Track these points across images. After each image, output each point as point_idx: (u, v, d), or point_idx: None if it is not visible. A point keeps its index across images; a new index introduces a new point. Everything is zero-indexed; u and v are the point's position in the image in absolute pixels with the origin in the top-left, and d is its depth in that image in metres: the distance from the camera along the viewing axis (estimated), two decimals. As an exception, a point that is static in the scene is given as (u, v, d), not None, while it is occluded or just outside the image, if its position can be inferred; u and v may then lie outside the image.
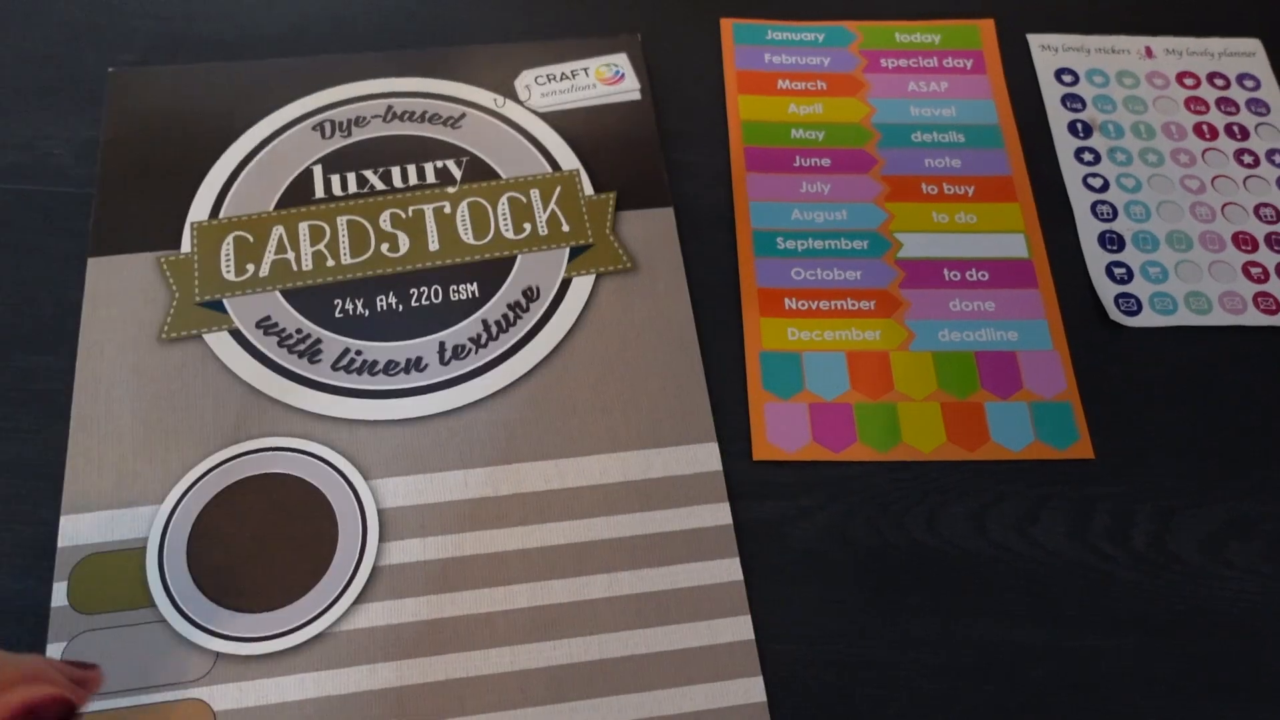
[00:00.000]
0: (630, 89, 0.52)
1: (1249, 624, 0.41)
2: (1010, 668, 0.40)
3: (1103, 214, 0.49)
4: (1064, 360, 0.46)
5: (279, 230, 0.48)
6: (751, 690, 0.39)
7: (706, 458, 0.43)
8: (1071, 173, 0.50)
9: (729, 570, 0.41)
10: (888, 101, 0.52)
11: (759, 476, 0.44)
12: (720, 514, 0.42)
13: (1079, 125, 0.51)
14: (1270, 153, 0.50)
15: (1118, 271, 0.48)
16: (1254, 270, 0.48)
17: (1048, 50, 0.53)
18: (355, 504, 0.42)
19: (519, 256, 0.47)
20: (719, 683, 0.39)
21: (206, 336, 0.46)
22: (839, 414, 0.46)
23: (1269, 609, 0.41)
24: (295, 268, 0.47)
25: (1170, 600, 0.41)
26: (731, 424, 0.45)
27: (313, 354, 0.45)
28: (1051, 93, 0.52)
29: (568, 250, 0.48)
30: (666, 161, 0.51)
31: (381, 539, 0.42)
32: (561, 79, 0.52)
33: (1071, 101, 0.52)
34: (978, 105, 0.52)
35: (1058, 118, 0.51)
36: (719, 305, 0.48)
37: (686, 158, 0.51)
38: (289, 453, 0.43)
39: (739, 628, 0.40)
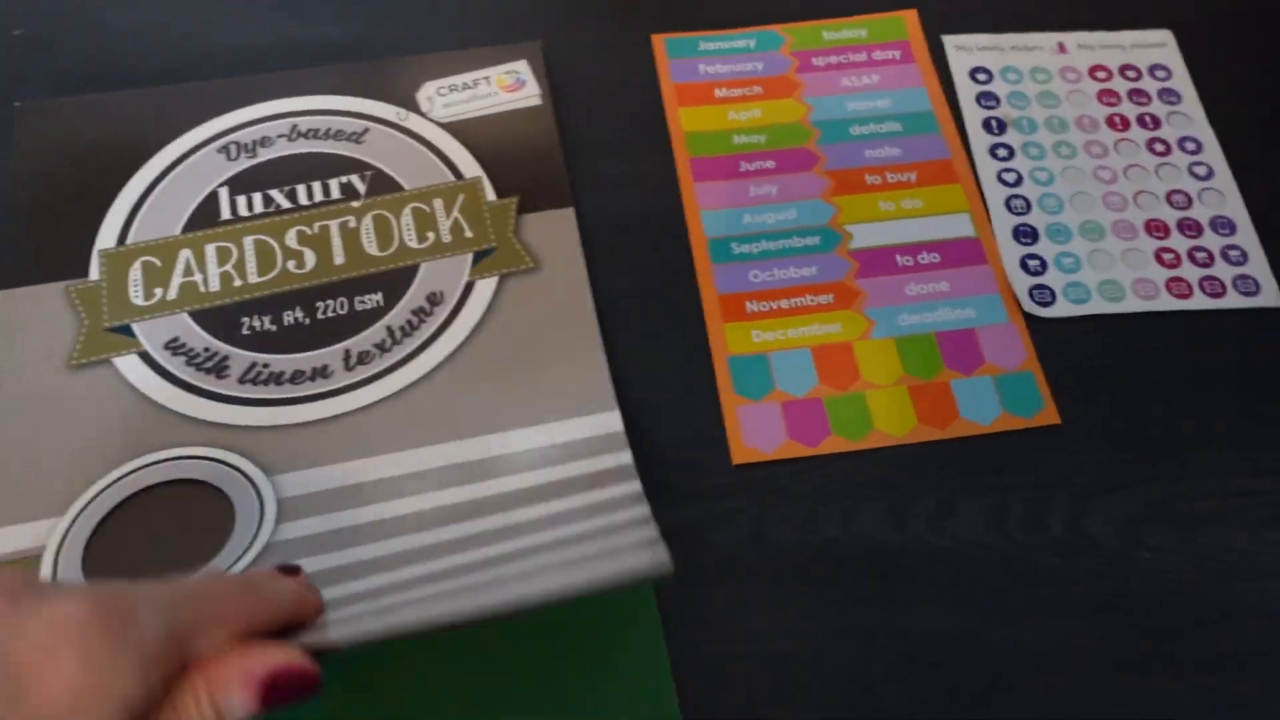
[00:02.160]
0: (531, 95, 0.52)
1: (1166, 605, 0.41)
2: (933, 659, 0.40)
3: (1016, 208, 0.51)
4: (1021, 331, 0.47)
5: (186, 254, 0.47)
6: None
7: (609, 422, 0.43)
8: (986, 169, 0.52)
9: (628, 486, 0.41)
10: (823, 99, 0.53)
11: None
12: (623, 458, 0.42)
13: (993, 122, 0.53)
14: (1181, 140, 0.53)
15: (1032, 264, 0.49)
16: (1166, 256, 0.50)
17: (962, 50, 0.55)
18: (255, 497, 0.41)
19: (423, 265, 0.47)
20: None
21: (115, 360, 0.45)
22: (811, 409, 0.45)
23: (1183, 589, 0.41)
24: (203, 289, 0.46)
25: (1087, 584, 0.41)
26: (708, 433, 0.44)
27: (220, 370, 0.45)
28: (967, 92, 0.54)
29: (471, 255, 0.48)
30: (596, 173, 0.50)
31: (279, 521, 0.41)
32: (463, 89, 0.52)
33: (986, 99, 0.53)
34: (910, 94, 0.54)
35: (973, 115, 0.53)
36: (681, 316, 0.47)
37: (627, 167, 0.51)
38: (192, 460, 0.43)
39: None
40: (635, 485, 0.41)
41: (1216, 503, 0.43)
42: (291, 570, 0.36)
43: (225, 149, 0.50)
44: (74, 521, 0.41)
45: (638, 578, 0.35)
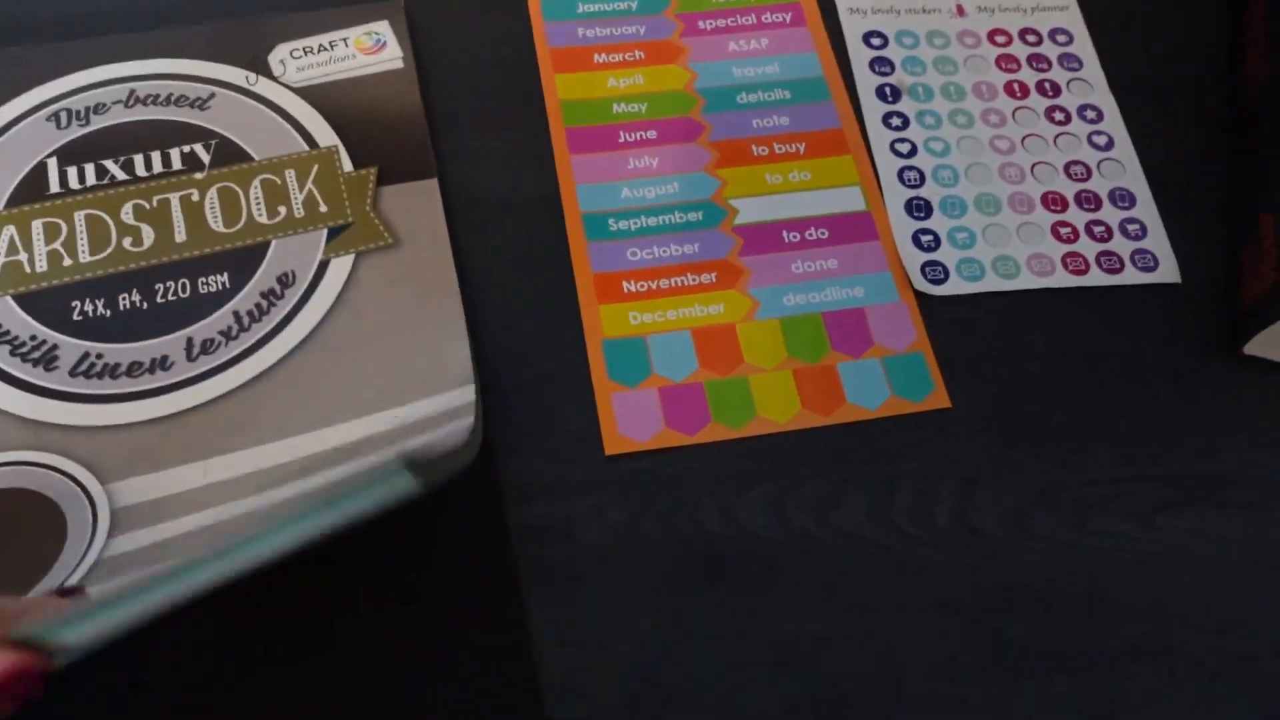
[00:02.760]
0: (392, 57, 0.49)
1: (1051, 597, 0.39)
2: (811, 660, 0.38)
3: (910, 180, 0.48)
4: (911, 310, 0.45)
5: (9, 230, 0.43)
6: None
7: (462, 397, 0.40)
8: (879, 139, 0.49)
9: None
10: (709, 65, 0.50)
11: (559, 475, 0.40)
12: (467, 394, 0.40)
13: (887, 89, 0.50)
14: (1082, 109, 0.51)
15: (924, 239, 0.47)
16: (1063, 230, 0.48)
17: (856, 13, 0.52)
18: (88, 509, 0.38)
19: (273, 242, 0.44)
20: None
21: None
22: (690, 395, 0.42)
23: (1071, 581, 0.40)
24: (28, 269, 0.42)
25: (971, 577, 0.39)
26: (579, 422, 0.42)
27: (48, 361, 0.40)
28: (860, 56, 0.51)
29: (325, 231, 0.44)
30: (462, 143, 0.47)
31: (110, 534, 0.38)
32: (319, 51, 0.48)
33: (880, 65, 0.51)
34: (800, 59, 0.51)
35: (866, 83, 0.50)
36: (553, 297, 0.44)
37: (497, 137, 0.47)
38: (20, 466, 0.39)
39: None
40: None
41: (1108, 489, 0.42)
42: (70, 593, 0.34)
43: (55, 116, 0.45)
44: None
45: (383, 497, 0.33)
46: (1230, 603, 0.40)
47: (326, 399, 0.41)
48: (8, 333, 0.41)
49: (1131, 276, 0.47)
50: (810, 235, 0.46)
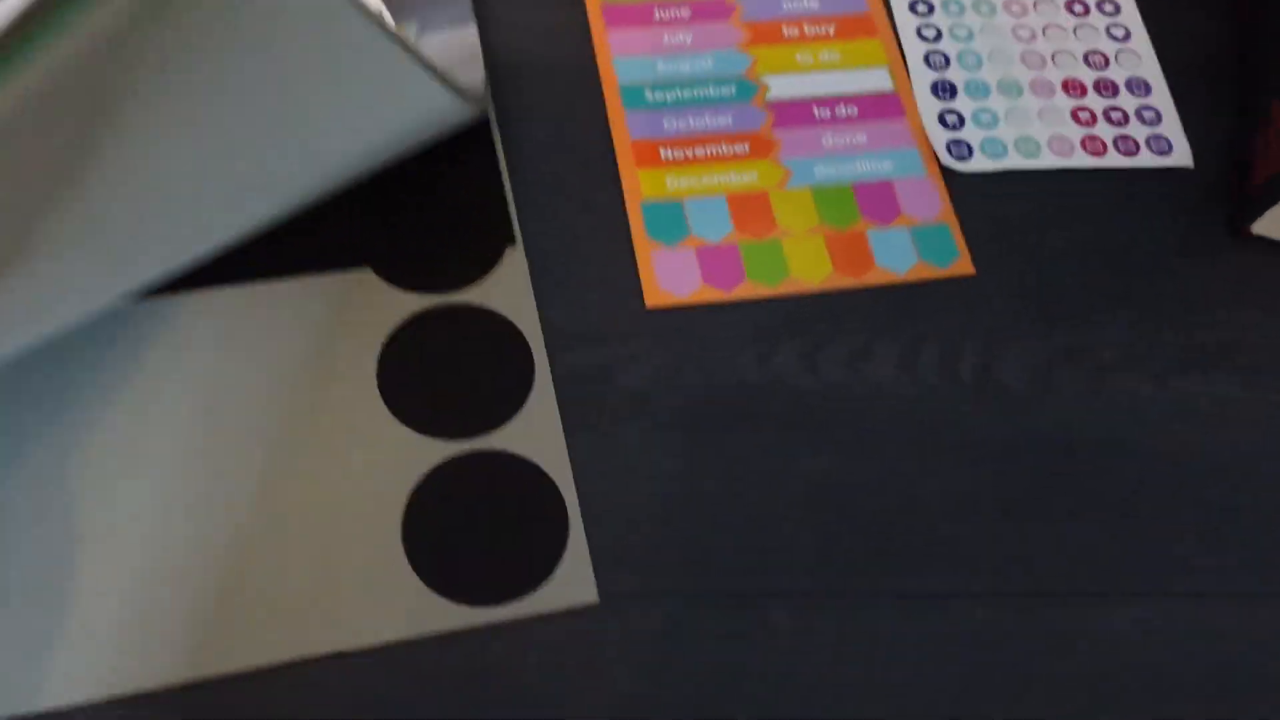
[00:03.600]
0: None
1: (1070, 446, 0.41)
2: (840, 498, 0.40)
3: (935, 63, 0.50)
4: (938, 184, 0.46)
5: None
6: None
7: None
8: (906, 24, 0.50)
9: None
10: (741, -56, 0.51)
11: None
12: None
13: (915, -22, 0.52)
14: (1100, 1, 0.53)
15: (950, 119, 0.49)
16: (1082, 114, 0.50)
17: (886, -101, 0.54)
18: None
19: None
20: None
21: None
22: (726, 255, 0.44)
23: (1089, 432, 0.42)
24: None
25: (995, 427, 0.42)
26: (620, 276, 0.43)
27: None
28: (890, -55, 0.53)
29: None
30: (502, 18, 0.48)
31: None
32: None
33: (909, -47, 0.53)
34: (832, -58, 0.52)
35: (895, -29, 0.52)
36: (594, 161, 0.45)
37: (536, 12, 0.48)
38: None
39: None
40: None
41: (1125, 350, 0.44)
42: None
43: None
44: None
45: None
46: (1235, 457, 0.42)
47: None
48: None
49: (1147, 160, 0.49)
50: (840, 112, 0.48)
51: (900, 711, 0.36)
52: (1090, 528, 0.40)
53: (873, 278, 0.44)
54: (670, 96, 0.47)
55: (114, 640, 0.35)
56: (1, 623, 0.35)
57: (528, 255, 0.43)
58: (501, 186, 0.44)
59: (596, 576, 0.37)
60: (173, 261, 0.36)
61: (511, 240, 0.43)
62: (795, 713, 0.36)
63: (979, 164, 0.47)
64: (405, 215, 0.43)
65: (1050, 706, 0.37)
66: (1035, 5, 0.52)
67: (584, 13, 0.49)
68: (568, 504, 0.38)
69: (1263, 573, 0.40)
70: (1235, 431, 0.42)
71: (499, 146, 0.45)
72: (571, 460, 0.39)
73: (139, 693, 0.34)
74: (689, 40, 0.49)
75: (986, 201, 0.47)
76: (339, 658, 0.35)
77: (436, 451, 0.39)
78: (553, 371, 0.41)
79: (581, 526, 0.38)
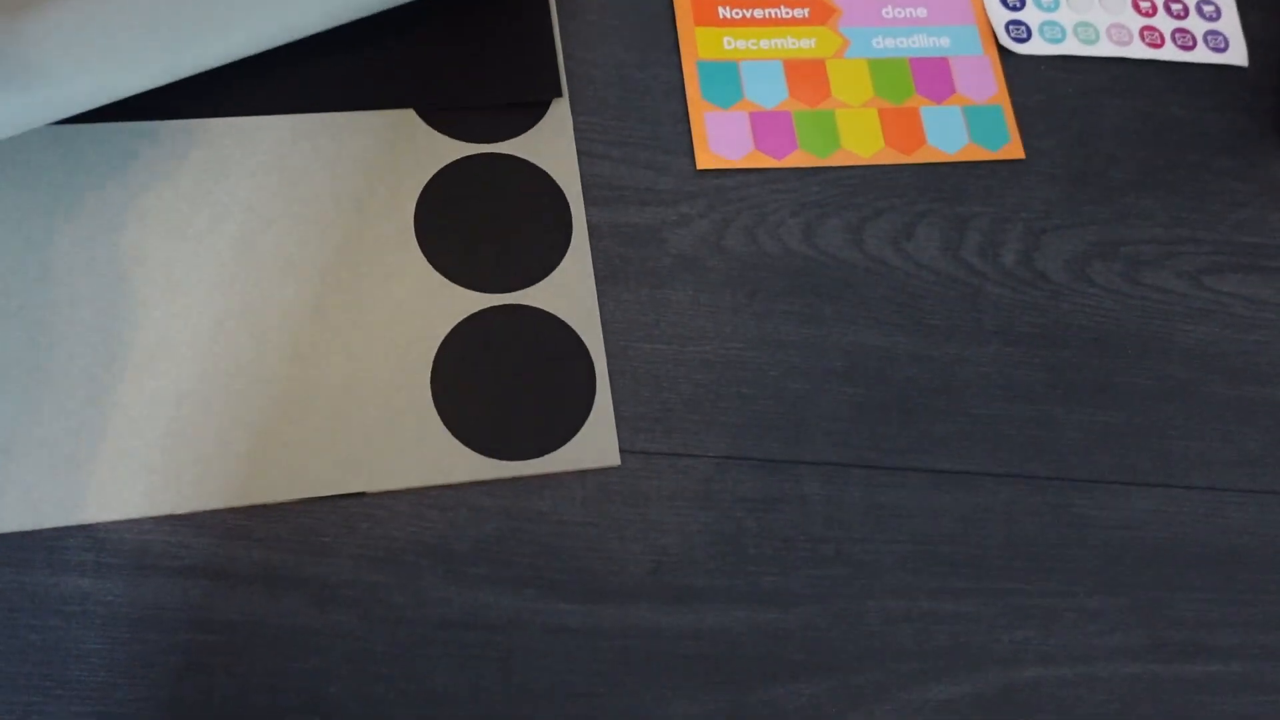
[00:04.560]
0: None
1: (1104, 338, 0.42)
2: (876, 372, 0.40)
3: (998, -53, 0.49)
4: (994, 64, 0.46)
5: None
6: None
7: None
8: (972, -99, 0.49)
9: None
10: None
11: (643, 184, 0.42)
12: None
13: None
14: (1172, -120, 0.52)
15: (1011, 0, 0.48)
16: (1143, 4, 0.49)
17: None
18: None
19: None
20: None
21: None
22: (779, 121, 0.43)
23: (1123, 325, 0.43)
24: None
25: (1032, 314, 0.42)
26: (672, 135, 0.42)
27: None
28: None
29: None
30: None
31: None
32: None
33: None
34: None
35: None
36: (651, 14, 0.44)
37: None
38: None
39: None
40: None
41: (1163, 248, 0.44)
42: None
43: None
44: None
45: None
46: (1263, 357, 0.43)
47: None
48: None
49: (1203, 55, 0.48)
50: (902, -18, 0.47)
51: (920, 583, 0.38)
52: (1116, 417, 0.41)
53: (923, 155, 0.44)
54: (731, -48, 0.46)
55: (148, 462, 0.35)
56: (42, 440, 0.35)
57: (576, 111, 0.42)
58: (551, 37, 0.43)
59: (632, 437, 0.38)
60: (221, 41, 0.36)
61: (559, 93, 0.42)
62: (822, 576, 0.37)
63: (1036, 47, 0.47)
64: (452, 59, 0.42)
65: (1065, 579, 0.38)
66: (1106, -114, 0.50)
67: None
68: (596, 366, 0.39)
69: (1277, 473, 0.41)
70: (1265, 334, 0.43)
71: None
72: (610, 321, 0.39)
73: (173, 514, 0.35)
74: (752, -105, 0.47)
75: (1040, 85, 0.46)
76: (358, 497, 0.36)
77: (470, 302, 0.39)
78: (597, 230, 0.41)
79: (609, 390, 0.38)
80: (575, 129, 0.42)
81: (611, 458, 0.38)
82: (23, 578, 0.33)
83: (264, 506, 0.35)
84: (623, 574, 0.36)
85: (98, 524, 0.34)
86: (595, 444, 0.38)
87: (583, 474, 0.37)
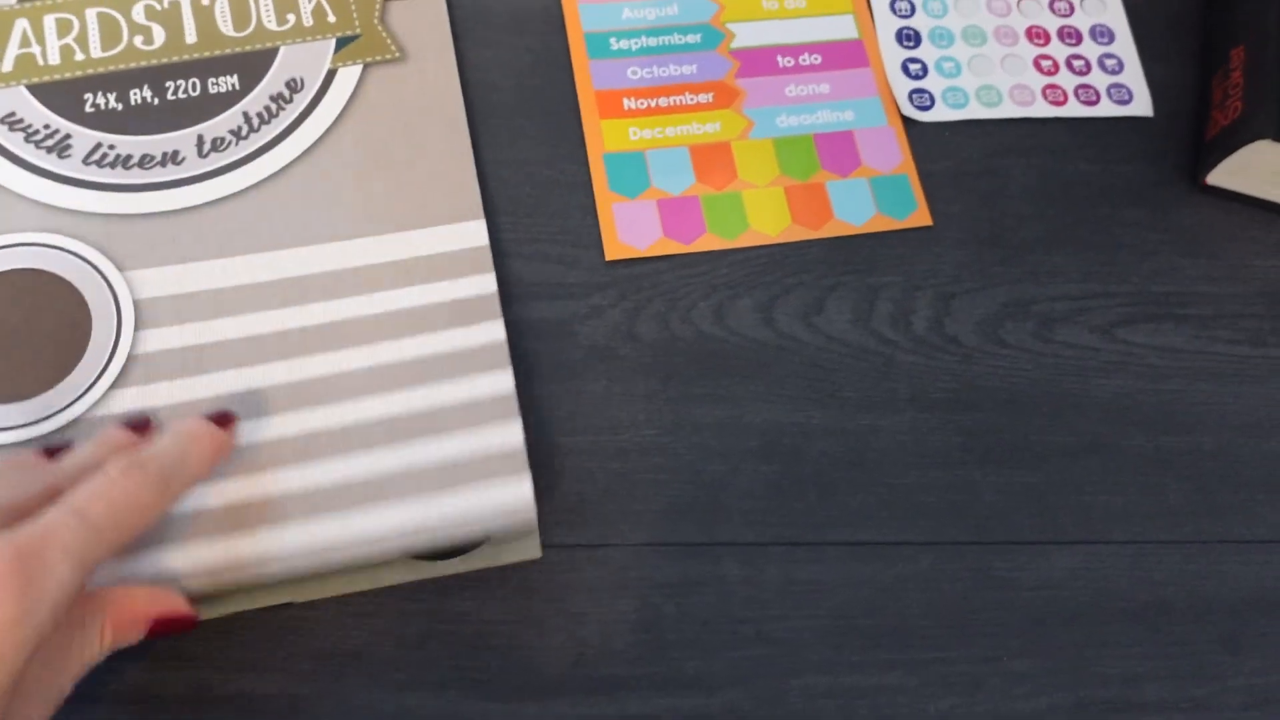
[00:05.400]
0: None
1: (1018, 398, 0.43)
2: (791, 448, 0.41)
3: (901, 10, 0.50)
4: (899, 134, 0.47)
5: (23, 24, 0.44)
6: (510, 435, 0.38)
7: (474, 233, 0.42)
8: (875, -28, 0.51)
9: (492, 331, 0.40)
10: (708, -113, 0.51)
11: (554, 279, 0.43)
12: (486, 284, 0.41)
13: (883, -79, 0.52)
14: (1066, -58, 0.53)
15: (913, 67, 0.49)
16: (1044, 63, 0.50)
17: None
18: (110, 295, 0.40)
19: (281, 48, 0.45)
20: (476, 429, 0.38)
21: None
22: (687, 207, 0.44)
23: (1036, 384, 0.43)
24: (41, 62, 0.43)
25: (945, 379, 0.43)
26: (581, 228, 0.44)
27: (62, 149, 0.42)
28: (858, -114, 0.52)
29: (334, 41, 0.45)
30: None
31: (138, 328, 0.39)
32: None
33: (877, -105, 0.52)
34: (800, -113, 0.52)
35: (863, -86, 0.52)
36: (557, 112, 0.46)
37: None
38: (37, 247, 0.41)
39: (501, 381, 0.39)
40: (506, 378, 0.39)
41: (1074, 303, 0.45)
42: (141, 425, 0.36)
43: (62, -87, 0.45)
44: None
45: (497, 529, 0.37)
46: (1178, 407, 0.43)
47: (337, 209, 0.42)
48: (22, 120, 0.42)
49: (1107, 109, 0.49)
50: (804, 60, 0.48)
51: (842, 658, 0.38)
52: (1033, 477, 0.41)
53: (831, 229, 0.45)
54: (635, 45, 0.47)
55: None
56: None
57: (489, 211, 0.44)
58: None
59: (551, 530, 0.39)
60: None
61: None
62: (743, 658, 0.38)
63: (940, 113, 0.48)
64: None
65: (990, 644, 0.39)
66: (1003, -50, 0.52)
67: (548, -44, 0.49)
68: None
69: (1198, 522, 0.41)
70: (1179, 383, 0.44)
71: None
72: (526, 416, 0.40)
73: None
74: (654, -15, 0.49)
75: (946, 152, 0.47)
76: (286, 607, 0.37)
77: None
78: (513, 327, 0.42)
79: (530, 483, 0.39)
80: (491, 228, 0.43)
81: (533, 551, 0.38)
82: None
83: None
84: (546, 669, 0.37)
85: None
86: (517, 541, 0.38)
87: (504, 571, 0.38)
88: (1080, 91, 0.49)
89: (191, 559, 0.35)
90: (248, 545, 0.36)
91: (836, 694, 0.37)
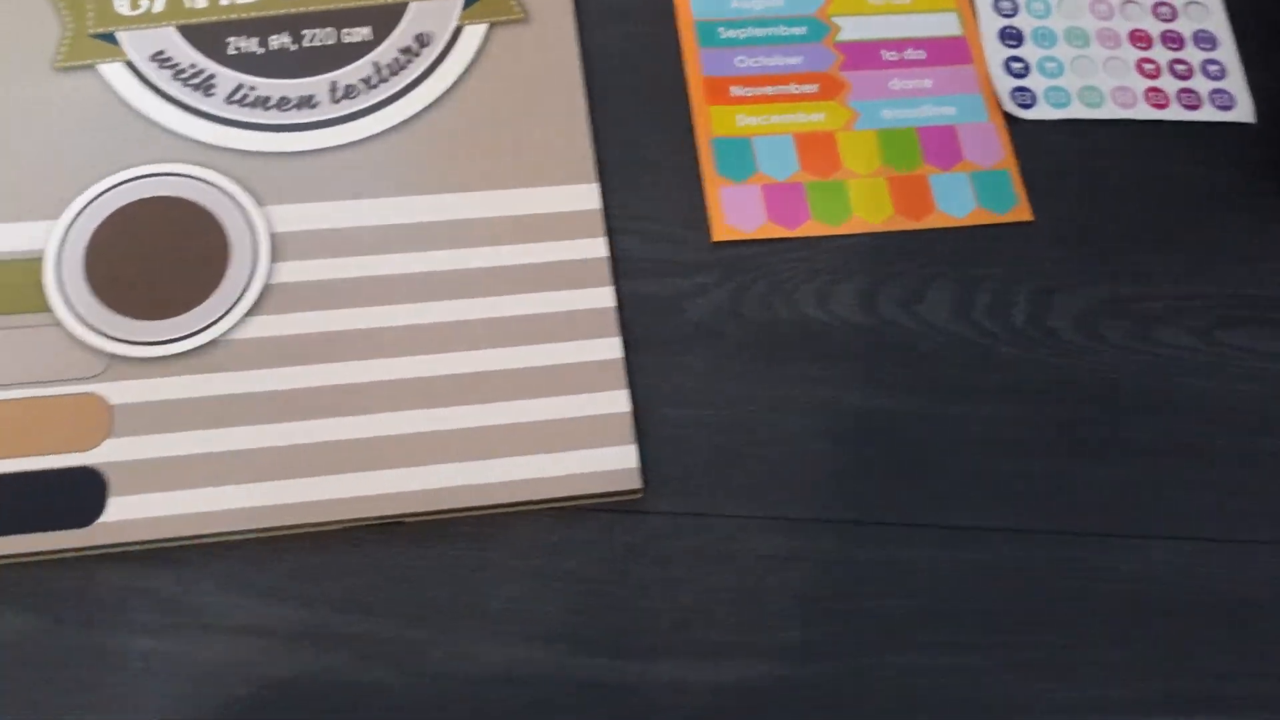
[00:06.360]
0: None
1: (1115, 394, 0.43)
2: (887, 431, 0.42)
3: (1004, 10, 0.50)
4: (1000, 130, 0.47)
5: None
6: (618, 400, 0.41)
7: (588, 196, 0.44)
8: (979, -28, 0.51)
9: (603, 298, 0.42)
10: (822, -119, 0.52)
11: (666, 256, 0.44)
12: (597, 248, 0.43)
13: (990, -78, 0.52)
14: (1171, -54, 0.53)
15: (1015, 66, 0.49)
16: (1147, 66, 0.50)
17: None
18: (247, 227, 0.43)
19: (412, 3, 0.47)
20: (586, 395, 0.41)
21: (100, 67, 0.45)
22: (791, 193, 0.45)
23: (1134, 381, 0.44)
24: (188, 4, 0.46)
25: (1042, 372, 0.43)
26: (688, 209, 0.45)
27: (206, 88, 0.45)
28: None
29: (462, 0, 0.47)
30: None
31: (274, 259, 0.42)
32: None
33: (985, -104, 0.53)
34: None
35: (970, -86, 0.52)
36: (666, 96, 0.47)
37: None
38: (183, 178, 0.43)
39: (610, 347, 0.41)
40: (615, 345, 0.41)
41: (1171, 304, 0.45)
42: None
43: None
44: (70, 226, 0.42)
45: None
46: (1276, 410, 0.44)
47: (459, 161, 0.44)
48: (170, 58, 0.45)
49: (1209, 114, 0.49)
50: (908, 55, 0.49)
51: (937, 634, 0.39)
52: (1128, 472, 0.42)
53: (932, 221, 0.45)
54: (743, 34, 0.48)
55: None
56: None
57: (603, 188, 0.45)
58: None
59: (659, 498, 0.40)
60: None
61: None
62: (838, 632, 0.39)
63: (1042, 112, 0.48)
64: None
65: (1080, 631, 0.39)
66: (1108, -46, 0.52)
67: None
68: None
69: (1290, 521, 0.42)
70: (1274, 387, 0.44)
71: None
72: (636, 382, 0.42)
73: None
74: (763, -23, 0.50)
75: (1047, 149, 0.48)
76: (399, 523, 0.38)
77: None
78: (622, 297, 0.43)
79: (635, 450, 0.40)
80: (604, 206, 0.45)
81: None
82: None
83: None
84: (648, 632, 0.38)
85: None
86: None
87: (610, 535, 0.39)
88: (1182, 95, 0.49)
89: (309, 493, 0.38)
90: (365, 481, 0.38)
91: (927, 673, 0.38)
